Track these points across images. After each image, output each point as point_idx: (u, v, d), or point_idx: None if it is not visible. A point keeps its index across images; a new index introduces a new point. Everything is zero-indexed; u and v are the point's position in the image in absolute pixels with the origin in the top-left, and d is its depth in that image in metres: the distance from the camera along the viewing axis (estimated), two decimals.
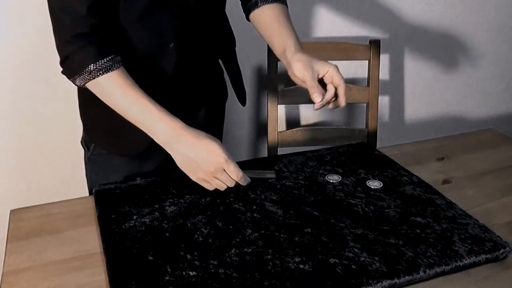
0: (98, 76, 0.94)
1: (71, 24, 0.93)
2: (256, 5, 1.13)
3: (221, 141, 1.30)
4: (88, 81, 0.95)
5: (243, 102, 1.25)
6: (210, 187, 0.97)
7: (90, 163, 1.16)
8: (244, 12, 1.18)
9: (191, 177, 0.97)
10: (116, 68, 0.95)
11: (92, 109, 1.09)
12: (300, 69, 0.98)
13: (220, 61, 1.20)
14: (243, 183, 0.97)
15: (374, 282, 0.76)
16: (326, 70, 0.97)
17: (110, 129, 1.08)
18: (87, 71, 0.94)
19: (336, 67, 0.98)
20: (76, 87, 1.03)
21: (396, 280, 0.77)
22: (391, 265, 0.80)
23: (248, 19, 1.18)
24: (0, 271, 0.84)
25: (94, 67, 0.93)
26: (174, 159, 0.97)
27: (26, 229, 0.93)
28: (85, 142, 1.16)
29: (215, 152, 0.92)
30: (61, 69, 0.97)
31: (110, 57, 0.94)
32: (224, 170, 0.94)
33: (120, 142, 1.09)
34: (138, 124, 0.96)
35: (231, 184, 0.96)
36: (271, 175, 1.04)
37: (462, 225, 0.90)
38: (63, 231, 0.92)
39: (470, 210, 0.96)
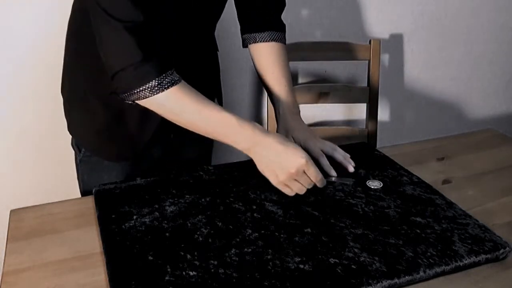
0: (163, 91, 0.87)
1: (131, 35, 0.85)
2: (254, 40, 1.13)
3: None
4: (147, 98, 0.88)
5: (220, 104, 1.26)
6: (290, 192, 0.96)
7: (82, 164, 1.15)
8: (242, 38, 1.16)
9: (271, 182, 0.96)
10: (179, 81, 0.90)
11: (77, 116, 1.09)
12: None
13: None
14: (320, 185, 0.98)
15: (374, 282, 0.76)
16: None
17: (97, 136, 1.08)
18: (149, 87, 0.86)
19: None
20: None
21: (396, 280, 0.77)
22: (391, 265, 0.80)
23: (244, 46, 1.17)
24: (0, 271, 0.84)
25: (156, 82, 0.86)
26: (257, 163, 0.96)
27: (26, 229, 0.93)
28: (76, 145, 1.16)
29: (297, 154, 0.93)
30: (116, 85, 0.89)
31: (171, 71, 0.89)
32: (304, 172, 0.94)
33: (107, 150, 1.09)
34: (217, 137, 0.95)
35: (309, 186, 0.96)
36: (349, 182, 1.04)
37: (462, 225, 0.90)
38: (63, 231, 0.92)
39: (470, 210, 0.96)
